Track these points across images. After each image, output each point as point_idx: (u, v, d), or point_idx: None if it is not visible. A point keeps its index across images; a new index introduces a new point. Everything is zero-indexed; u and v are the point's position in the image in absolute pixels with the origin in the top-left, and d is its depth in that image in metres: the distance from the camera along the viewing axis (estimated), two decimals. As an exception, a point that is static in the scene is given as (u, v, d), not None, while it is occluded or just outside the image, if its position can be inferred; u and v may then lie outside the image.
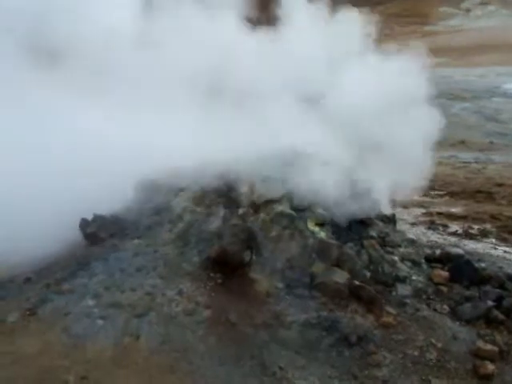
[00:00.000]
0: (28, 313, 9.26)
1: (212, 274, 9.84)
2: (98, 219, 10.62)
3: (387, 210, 12.78)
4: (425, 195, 18.65)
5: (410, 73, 12.57)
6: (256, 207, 10.85)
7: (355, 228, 11.20)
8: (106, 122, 12.06)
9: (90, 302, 9.33)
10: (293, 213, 10.89)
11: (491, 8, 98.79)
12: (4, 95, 11.77)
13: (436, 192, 19.16)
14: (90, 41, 12.72)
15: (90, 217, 10.75)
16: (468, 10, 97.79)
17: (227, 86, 12.89)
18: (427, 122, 12.35)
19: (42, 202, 10.28)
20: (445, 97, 38.89)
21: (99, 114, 12.17)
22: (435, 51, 64.25)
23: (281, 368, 8.43)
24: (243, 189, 10.94)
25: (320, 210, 11.00)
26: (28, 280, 10.00)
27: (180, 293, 9.43)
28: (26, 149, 10.98)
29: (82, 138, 11.41)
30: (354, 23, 13.62)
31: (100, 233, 10.51)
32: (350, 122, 12.05)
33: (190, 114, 12.26)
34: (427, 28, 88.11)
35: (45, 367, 8.22)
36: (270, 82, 12.90)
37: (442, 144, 26.88)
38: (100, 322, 8.98)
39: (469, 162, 24.49)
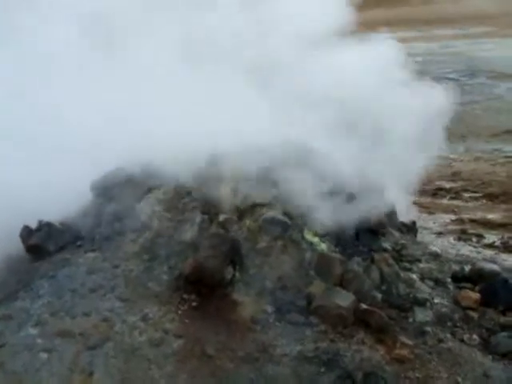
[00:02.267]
0: (-46, 344, 9.27)
1: (185, 296, 9.84)
2: (44, 227, 10.59)
3: (406, 216, 12.79)
4: (456, 198, 18.70)
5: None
6: (240, 213, 10.86)
7: (364, 238, 11.21)
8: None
9: (32, 331, 9.32)
10: (286, 219, 10.88)
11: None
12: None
13: (470, 194, 19.17)
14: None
15: (34, 224, 10.71)
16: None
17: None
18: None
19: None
20: (487, 76, 39.00)
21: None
22: (477, 18, 64.60)
23: (269, 413, 8.48)
24: (224, 190, 10.89)
25: (320, 216, 10.94)
26: (-45, 303, 9.99)
27: (145, 319, 9.42)
28: None
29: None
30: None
31: (46, 244, 10.48)
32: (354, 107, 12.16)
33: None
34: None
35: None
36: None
37: (481, 134, 27.20)
38: (44, 355, 8.95)
39: (513, 158, 24.42)
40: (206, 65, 12.97)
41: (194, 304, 9.73)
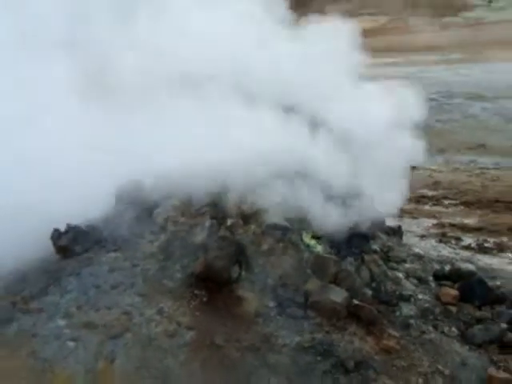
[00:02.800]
0: (-9, 334, 9.20)
1: (196, 292, 9.77)
2: (72, 230, 10.54)
3: (392, 221, 12.74)
4: (437, 204, 18.67)
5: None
6: (246, 218, 10.79)
7: (356, 241, 11.14)
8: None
9: (61, 323, 9.26)
10: (286, 224, 10.84)
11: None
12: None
13: (449, 201, 19.13)
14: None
15: (63, 227, 10.66)
16: (490, 1, 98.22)
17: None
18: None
19: (9, 209, 10.24)
20: (463, 96, 39.04)
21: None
22: (454, 46, 64.69)
23: (271, 398, 8.39)
24: (232, 197, 10.83)
25: (317, 222, 10.87)
26: (-7, 296, 9.91)
27: (160, 312, 9.35)
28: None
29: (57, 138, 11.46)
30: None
31: (73, 245, 10.44)
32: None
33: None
34: (445, 20, 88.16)
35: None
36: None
37: (459, 148, 27.21)
38: (71, 344, 8.90)
39: (487, 168, 24.43)
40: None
41: (204, 299, 9.66)
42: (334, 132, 12.09)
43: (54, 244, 10.51)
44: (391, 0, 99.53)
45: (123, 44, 13.19)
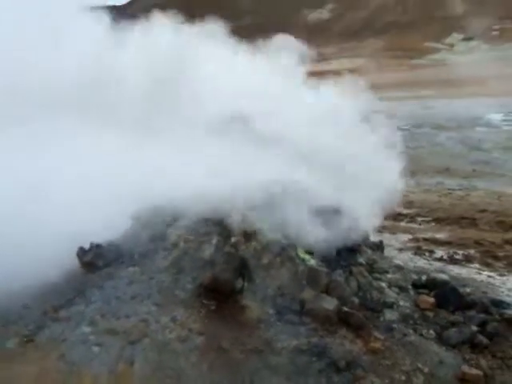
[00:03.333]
0: (26, 339, 9.15)
1: (205, 301, 9.72)
2: (95, 248, 10.52)
3: (375, 237, 12.73)
4: (412, 221, 18.67)
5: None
6: (248, 235, 10.74)
7: (344, 255, 11.13)
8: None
9: (86, 329, 9.20)
10: (284, 241, 10.79)
11: (473, 43, 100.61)
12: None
13: (422, 218, 19.15)
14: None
15: (87, 245, 10.62)
16: (451, 45, 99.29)
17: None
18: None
19: (41, 230, 10.18)
20: (430, 126, 39.28)
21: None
22: (421, 83, 65.12)
23: (271, 394, 8.33)
24: (235, 217, 10.79)
25: (310, 239, 10.83)
26: (26, 307, 9.83)
27: (173, 320, 9.30)
28: (25, 180, 10.91)
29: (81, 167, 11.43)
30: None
31: (97, 261, 10.42)
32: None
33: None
34: (413, 61, 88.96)
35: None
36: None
37: (428, 171, 27.28)
38: (95, 348, 8.85)
39: (453, 189, 24.51)
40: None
41: (212, 308, 9.61)
42: (322, 159, 12.13)
43: (80, 260, 10.49)
44: (366, 45, 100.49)
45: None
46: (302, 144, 12.76)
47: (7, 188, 10.61)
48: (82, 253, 10.45)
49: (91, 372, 8.44)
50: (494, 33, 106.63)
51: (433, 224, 18.47)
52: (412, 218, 19.05)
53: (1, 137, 11.72)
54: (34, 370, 8.52)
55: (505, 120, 41.93)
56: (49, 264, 10.13)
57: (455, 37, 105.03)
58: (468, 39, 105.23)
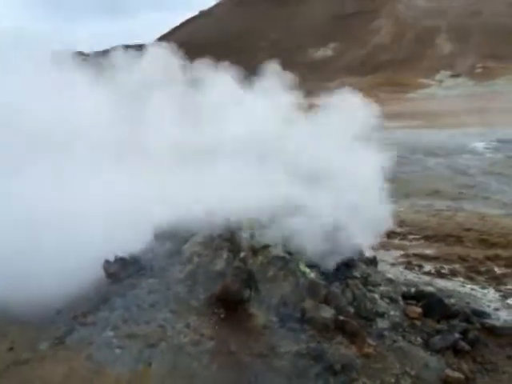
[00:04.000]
0: (57, 341, 9.27)
1: (216, 310, 9.77)
2: (119, 261, 10.60)
3: (369, 253, 12.72)
4: (403, 239, 18.64)
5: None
6: (255, 251, 10.78)
7: (341, 269, 11.11)
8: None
9: (110, 333, 9.30)
10: (287, 256, 10.80)
11: (459, 80, 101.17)
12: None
13: (413, 236, 19.10)
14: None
15: (112, 258, 10.69)
16: (441, 81, 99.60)
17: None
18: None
19: (72, 245, 10.26)
20: (422, 153, 39.28)
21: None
22: (414, 115, 65.16)
23: (274, 393, 8.35)
24: (244, 235, 10.83)
25: (310, 254, 10.85)
26: (58, 312, 9.97)
27: (188, 326, 9.37)
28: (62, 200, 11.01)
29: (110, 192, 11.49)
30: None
31: (120, 273, 10.50)
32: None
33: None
34: (407, 95, 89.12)
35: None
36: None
37: (419, 194, 27.23)
38: (118, 350, 8.94)
39: (442, 210, 24.41)
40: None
41: (222, 315, 9.67)
42: (323, 182, 12.14)
43: (105, 271, 10.54)
44: (365, 80, 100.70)
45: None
46: (306, 168, 12.79)
47: (45, 212, 10.74)
48: (107, 265, 10.52)
49: (114, 371, 8.53)
50: (478, 70, 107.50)
51: (422, 241, 18.42)
52: (404, 236, 19.01)
53: (30, 169, 11.75)
54: (64, 369, 8.63)
55: (487, 148, 42.05)
56: (78, 274, 10.23)
57: (444, 74, 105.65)
58: (455, 76, 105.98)
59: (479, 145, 43.37)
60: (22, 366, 8.81)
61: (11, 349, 9.23)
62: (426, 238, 18.90)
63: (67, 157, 12.01)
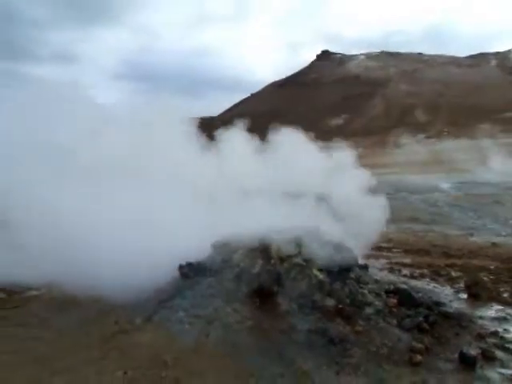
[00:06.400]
0: (146, 318, 9.48)
1: (254, 300, 9.82)
2: (188, 265, 10.76)
3: (363, 261, 12.68)
4: (389, 251, 18.46)
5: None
6: (282, 259, 10.82)
7: (342, 272, 11.03)
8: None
9: (182, 314, 9.43)
10: (303, 263, 10.83)
11: (431, 140, 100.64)
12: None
13: (396, 249, 18.89)
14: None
15: (184, 263, 10.84)
16: (418, 141, 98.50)
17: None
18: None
19: (158, 253, 10.45)
20: (405, 191, 38.83)
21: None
22: (398, 165, 64.43)
23: (293, 358, 8.36)
24: (274, 248, 10.89)
25: (320, 261, 10.87)
26: (148, 298, 10.13)
27: (234, 310, 9.45)
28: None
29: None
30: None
31: (189, 273, 10.62)
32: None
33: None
34: (393, 150, 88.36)
35: (153, 351, 8.37)
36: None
37: (402, 219, 26.95)
38: (187, 326, 9.08)
39: (418, 231, 24.08)
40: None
41: (257, 304, 9.72)
42: (331, 211, 12.20)
43: (180, 272, 10.70)
44: (364, 140, 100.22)
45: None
46: (321, 200, 12.88)
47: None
48: (181, 267, 10.69)
49: (184, 340, 8.67)
50: (445, 133, 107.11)
51: (402, 253, 18.15)
52: (389, 249, 18.77)
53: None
54: (150, 338, 8.81)
55: (452, 187, 41.46)
56: (159, 274, 10.43)
57: (420, 136, 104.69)
58: (428, 137, 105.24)
59: (445, 185, 42.74)
60: (123, 334, 9.03)
61: (116, 322, 9.47)
62: (405, 251, 18.63)
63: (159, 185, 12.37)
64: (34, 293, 11.58)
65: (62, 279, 10.88)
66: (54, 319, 9.92)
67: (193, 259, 10.86)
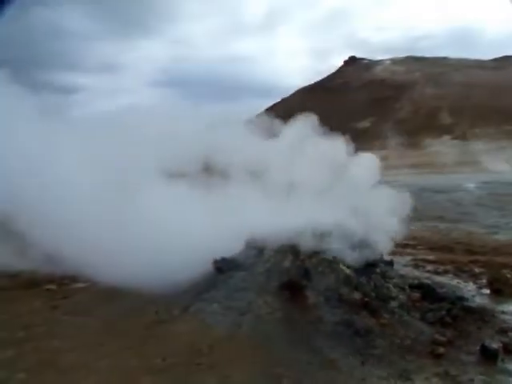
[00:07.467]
0: (183, 309, 9.63)
1: (284, 292, 9.81)
2: (222, 259, 10.83)
3: (388, 257, 12.57)
4: (414, 248, 18.30)
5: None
6: (310, 255, 10.83)
7: (368, 268, 11.03)
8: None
9: (216, 306, 9.55)
10: (331, 258, 10.83)
11: (456, 141, 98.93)
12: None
13: (421, 247, 18.72)
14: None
15: (218, 258, 10.90)
16: (443, 142, 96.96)
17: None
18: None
19: (197, 251, 10.62)
20: (430, 191, 38.31)
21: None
22: (424, 165, 63.56)
23: (321, 347, 8.41)
24: (302, 244, 10.87)
25: (347, 257, 10.86)
26: (185, 291, 10.25)
27: (265, 302, 9.48)
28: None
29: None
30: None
31: (223, 267, 10.71)
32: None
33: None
34: (419, 152, 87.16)
35: (189, 340, 8.50)
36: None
37: (428, 218, 26.60)
38: (221, 317, 9.18)
39: (442, 229, 23.80)
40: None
41: (287, 296, 9.70)
42: (358, 211, 11.98)
43: (214, 266, 10.78)
44: (390, 142, 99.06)
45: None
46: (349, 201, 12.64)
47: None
48: (215, 262, 10.77)
49: (218, 330, 8.77)
50: (468, 134, 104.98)
51: (427, 250, 18.00)
52: (414, 247, 18.61)
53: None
54: (187, 327, 8.95)
55: (476, 187, 40.75)
56: (196, 269, 10.57)
57: (445, 137, 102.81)
58: (453, 138, 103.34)
59: (470, 185, 42.06)
60: (163, 323, 9.21)
61: (156, 312, 9.66)
62: (430, 248, 18.47)
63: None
64: (81, 285, 11.95)
65: (109, 273, 11.12)
66: (99, 309, 10.21)
67: (227, 254, 10.93)
